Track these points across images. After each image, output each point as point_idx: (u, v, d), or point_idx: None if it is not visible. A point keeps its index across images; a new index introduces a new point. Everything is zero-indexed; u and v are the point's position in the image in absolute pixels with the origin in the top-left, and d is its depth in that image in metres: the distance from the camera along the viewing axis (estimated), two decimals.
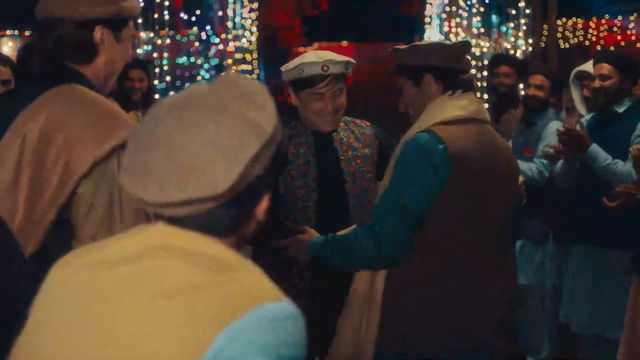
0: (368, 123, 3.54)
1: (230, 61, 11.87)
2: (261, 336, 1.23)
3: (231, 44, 11.73)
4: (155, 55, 8.06)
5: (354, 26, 28.56)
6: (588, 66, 4.98)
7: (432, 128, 2.81)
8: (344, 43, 33.01)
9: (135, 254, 1.31)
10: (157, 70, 7.87)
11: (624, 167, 4.25)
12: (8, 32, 12.06)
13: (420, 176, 2.73)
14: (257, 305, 1.25)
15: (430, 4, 13.28)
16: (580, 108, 5.20)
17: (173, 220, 1.33)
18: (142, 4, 7.40)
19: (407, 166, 2.77)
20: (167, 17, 7.97)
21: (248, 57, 13.39)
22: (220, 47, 11.30)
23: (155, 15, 7.82)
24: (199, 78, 10.69)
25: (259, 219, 1.40)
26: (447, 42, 3.13)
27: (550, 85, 5.34)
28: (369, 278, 2.87)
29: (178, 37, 9.74)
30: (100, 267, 1.32)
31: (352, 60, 3.25)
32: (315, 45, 33.29)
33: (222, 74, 1.46)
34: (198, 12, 10.33)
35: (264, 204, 1.40)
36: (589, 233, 4.54)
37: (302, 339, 1.28)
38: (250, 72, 13.73)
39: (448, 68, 2.91)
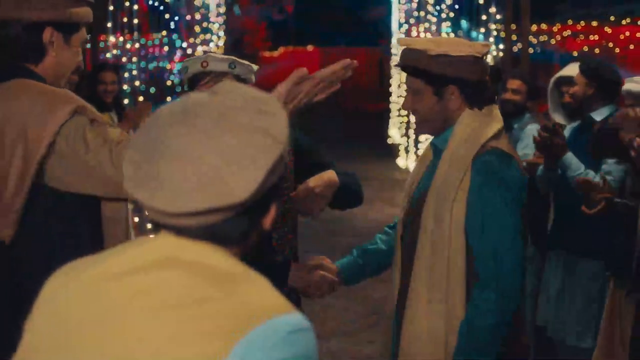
0: None
1: None
2: (275, 351, 1.21)
3: (199, 48, 11.66)
4: (124, 59, 8.00)
5: (320, 31, 28.62)
6: (567, 71, 5.01)
7: (495, 146, 2.74)
8: (310, 47, 33.07)
9: (143, 265, 1.28)
10: (125, 74, 7.81)
11: (594, 178, 4.27)
12: None
13: (516, 201, 2.70)
14: (269, 318, 1.22)
15: (399, 9, 13.29)
16: (555, 115, 5.21)
17: (181, 230, 1.29)
18: (111, 8, 7.31)
19: (495, 197, 2.68)
20: (135, 21, 7.90)
21: None
22: (189, 51, 11.22)
23: (125, 20, 7.74)
24: (168, 83, 10.61)
25: (265, 228, 1.38)
26: (479, 45, 2.86)
27: (527, 90, 5.36)
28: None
29: (143, 41, 9.65)
30: (106, 280, 1.29)
31: (243, 62, 2.96)
32: (281, 49, 33.35)
33: (222, 82, 1.41)
34: (167, 16, 10.25)
35: (272, 213, 1.37)
36: (563, 240, 4.57)
37: (315, 352, 1.26)
38: None
39: (476, 82, 2.78)
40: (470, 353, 2.65)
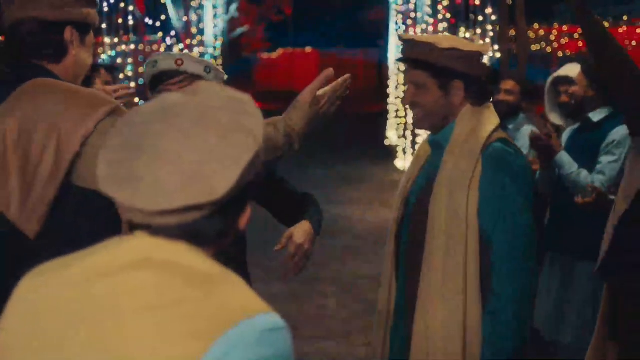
0: None
1: None
2: (252, 349, 1.21)
3: (196, 49, 11.64)
4: (119, 61, 7.98)
5: (318, 32, 28.60)
6: (565, 70, 4.99)
7: (500, 137, 2.81)
8: (308, 49, 33.07)
9: (120, 266, 1.27)
10: (121, 76, 7.79)
11: (587, 177, 4.26)
12: None
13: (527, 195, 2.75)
14: (245, 318, 1.23)
15: (396, 10, 13.30)
16: (551, 115, 5.20)
17: (158, 230, 1.29)
18: (106, 9, 7.29)
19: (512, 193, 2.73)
20: (131, 22, 7.88)
21: (214, 63, 13.35)
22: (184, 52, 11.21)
23: (120, 21, 7.72)
24: None
25: (240, 228, 1.38)
26: (480, 45, 2.94)
27: (520, 91, 5.35)
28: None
29: (141, 43, 9.64)
30: (84, 280, 1.28)
31: (218, 68, 2.88)
32: (280, 51, 33.33)
33: (197, 83, 1.41)
34: (163, 17, 10.24)
35: (247, 213, 1.38)
36: (558, 242, 4.56)
37: (290, 351, 1.27)
38: None
39: (479, 78, 2.83)
40: (497, 342, 2.67)
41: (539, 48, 18.33)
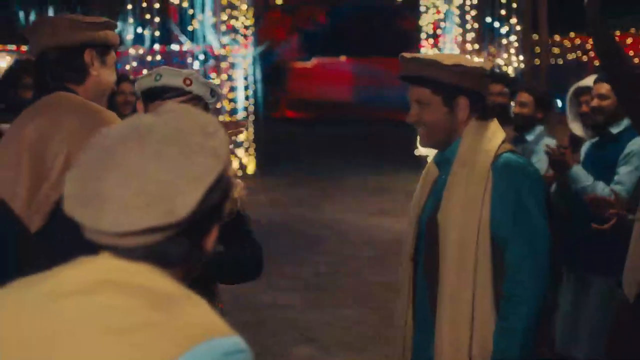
0: None
1: (225, 76, 11.85)
2: None
3: (224, 59, 11.70)
4: (144, 71, 8.04)
5: (352, 41, 28.62)
6: (587, 81, 4.93)
7: (508, 149, 2.84)
8: (343, 58, 33.12)
9: (82, 287, 1.27)
10: None
11: (603, 189, 4.19)
12: (8, 47, 12.17)
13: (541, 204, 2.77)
14: (206, 340, 1.23)
15: (426, 20, 13.28)
16: (573, 125, 5.15)
17: (122, 251, 1.30)
18: (131, 21, 7.36)
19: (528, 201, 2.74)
20: (158, 33, 7.94)
21: (242, 72, 13.40)
22: (212, 62, 11.27)
23: (147, 32, 7.78)
24: None
25: (207, 250, 1.38)
26: (483, 62, 3.03)
27: (535, 102, 5.29)
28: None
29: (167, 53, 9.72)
30: (46, 302, 1.28)
31: (220, 92, 2.88)
32: (314, 60, 33.41)
33: (164, 105, 1.42)
34: (190, 28, 10.31)
35: (213, 234, 1.38)
36: (576, 256, 4.50)
37: None
38: (246, 88, 13.76)
39: (483, 94, 2.85)
40: (505, 348, 2.68)
41: (574, 57, 18.16)
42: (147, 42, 7.71)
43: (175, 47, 10.52)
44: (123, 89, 6.15)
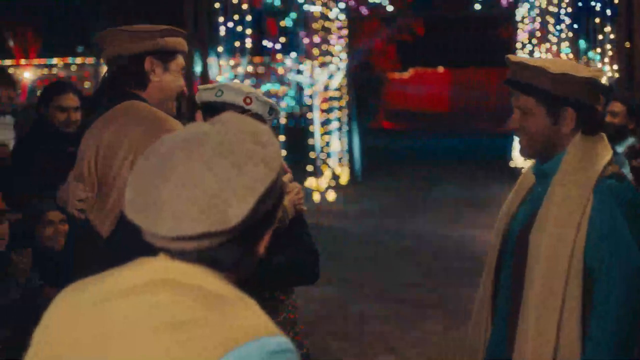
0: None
1: (317, 87, 11.93)
2: None
3: (317, 70, 11.78)
4: (237, 80, 8.19)
5: (449, 51, 28.35)
6: None
7: (614, 171, 2.62)
8: (440, 69, 32.85)
9: (139, 286, 1.33)
10: None
11: None
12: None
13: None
14: (250, 340, 1.27)
15: (522, 29, 13.09)
16: None
17: (178, 254, 1.35)
18: (222, 33, 7.50)
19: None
20: (249, 44, 8.08)
21: (336, 83, 13.47)
22: (307, 74, 11.36)
23: (237, 44, 7.93)
24: (283, 104, 10.78)
25: (259, 255, 1.42)
26: (594, 70, 2.74)
27: (627, 112, 5.15)
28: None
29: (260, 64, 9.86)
30: (104, 300, 1.34)
31: (279, 110, 2.92)
32: (411, 71, 33.29)
33: (222, 114, 1.46)
34: (283, 39, 10.43)
35: (265, 240, 1.42)
36: None
37: None
38: (339, 99, 13.82)
39: (592, 106, 2.62)
40: None
41: None
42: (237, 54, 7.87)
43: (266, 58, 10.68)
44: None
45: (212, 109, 2.83)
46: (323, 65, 12.08)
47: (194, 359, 1.25)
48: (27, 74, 17.47)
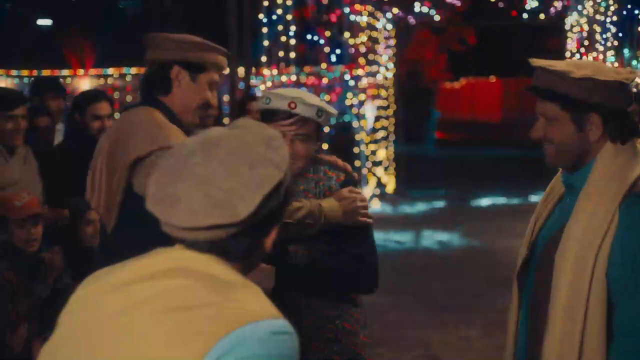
0: (343, 176, 3.04)
1: (363, 96, 12.01)
2: (252, 349, 1.37)
3: (364, 80, 11.86)
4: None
5: (501, 61, 28.21)
6: None
7: None
8: (492, 78, 32.63)
9: (157, 272, 1.48)
10: None
11: None
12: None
13: None
14: (254, 320, 1.39)
15: (571, 37, 13.02)
16: None
17: (193, 244, 1.50)
18: (266, 44, 7.64)
19: None
20: (292, 55, 8.21)
21: (383, 92, 13.54)
22: (351, 83, 11.45)
23: (281, 54, 8.07)
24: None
25: (266, 248, 1.59)
26: (626, 72, 2.54)
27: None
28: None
29: (303, 74, 9.98)
30: (126, 284, 1.49)
31: (330, 109, 2.94)
32: (462, 80, 33.14)
33: (240, 119, 1.65)
34: (327, 49, 10.55)
35: (272, 235, 1.59)
36: None
37: (296, 355, 1.42)
38: (386, 108, 13.89)
39: (621, 111, 2.47)
40: None
41: None
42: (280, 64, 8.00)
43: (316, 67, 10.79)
44: (251, 107, 5.90)
45: (265, 116, 2.93)
46: (370, 74, 12.15)
47: (197, 335, 1.37)
48: (84, 84, 17.91)
